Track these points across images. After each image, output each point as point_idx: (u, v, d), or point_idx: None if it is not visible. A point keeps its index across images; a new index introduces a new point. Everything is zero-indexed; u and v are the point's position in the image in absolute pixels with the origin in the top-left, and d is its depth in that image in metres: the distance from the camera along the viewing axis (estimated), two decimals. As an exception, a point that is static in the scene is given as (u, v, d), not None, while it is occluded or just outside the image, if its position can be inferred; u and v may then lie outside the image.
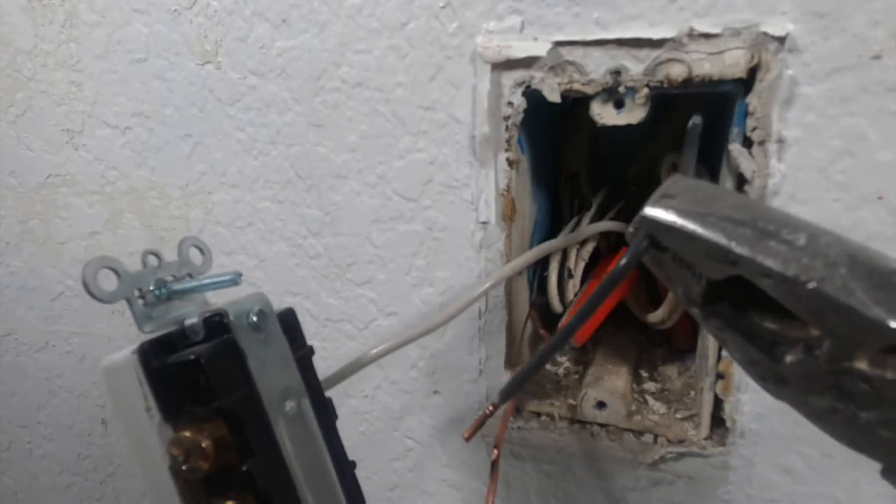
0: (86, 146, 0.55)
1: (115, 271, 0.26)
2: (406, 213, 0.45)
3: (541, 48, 0.38)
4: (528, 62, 0.38)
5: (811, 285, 0.19)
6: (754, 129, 0.35)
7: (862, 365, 0.20)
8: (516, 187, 0.42)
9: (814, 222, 0.22)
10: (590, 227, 0.46)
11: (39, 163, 0.57)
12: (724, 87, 0.35)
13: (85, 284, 0.24)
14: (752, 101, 0.34)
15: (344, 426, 0.30)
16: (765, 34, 0.33)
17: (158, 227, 0.55)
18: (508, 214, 0.42)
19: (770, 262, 0.20)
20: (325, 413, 0.30)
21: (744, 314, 0.23)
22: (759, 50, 0.34)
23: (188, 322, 0.26)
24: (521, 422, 0.46)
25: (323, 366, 0.30)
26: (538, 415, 0.46)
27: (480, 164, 0.42)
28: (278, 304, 0.28)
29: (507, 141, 0.41)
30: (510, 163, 0.41)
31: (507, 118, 0.40)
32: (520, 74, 0.39)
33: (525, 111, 0.40)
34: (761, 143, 0.35)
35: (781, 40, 0.33)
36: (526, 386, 0.46)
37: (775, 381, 0.22)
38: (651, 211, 0.24)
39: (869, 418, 0.20)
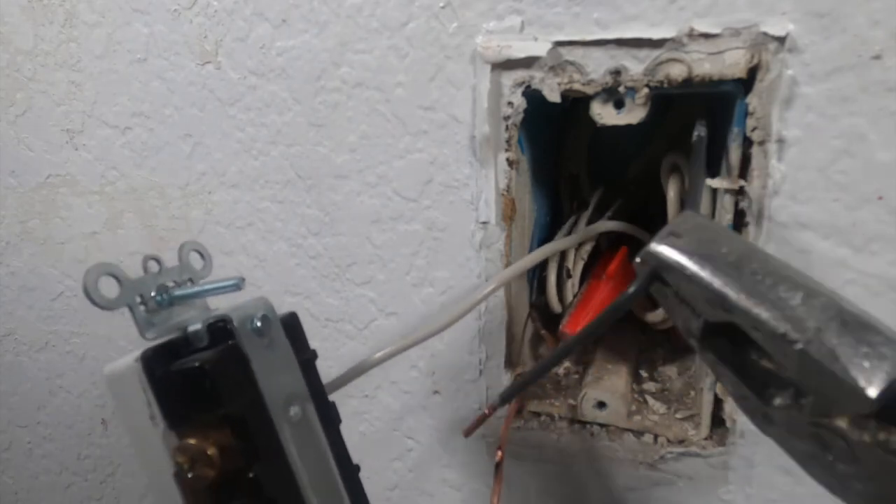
0: (86, 146, 0.55)
1: (117, 278, 0.25)
2: (406, 213, 0.45)
3: (541, 48, 0.38)
4: (528, 62, 0.38)
5: (798, 346, 0.20)
6: (754, 129, 0.35)
7: (842, 424, 0.20)
8: (516, 187, 0.42)
9: (814, 281, 0.22)
10: (590, 228, 0.46)
11: (39, 163, 0.57)
12: (724, 87, 0.35)
13: (86, 291, 0.24)
14: (752, 101, 0.34)
15: (344, 426, 0.30)
16: (765, 34, 0.33)
17: (158, 227, 0.55)
18: (508, 214, 0.42)
19: (763, 317, 0.21)
20: (329, 417, 0.30)
21: (740, 350, 0.23)
22: (759, 50, 0.34)
23: (191, 328, 0.26)
24: (521, 422, 0.46)
25: (324, 366, 0.30)
26: (538, 415, 0.46)
27: (480, 164, 0.42)
28: (279, 304, 0.28)
29: (507, 141, 0.41)
30: (510, 163, 0.41)
31: (507, 118, 0.40)
32: (520, 74, 0.39)
33: (525, 111, 0.40)
34: (761, 143, 0.35)
35: (781, 40, 0.33)
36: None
37: (762, 419, 0.23)
38: (656, 247, 0.24)
39: (845, 470, 0.21)
